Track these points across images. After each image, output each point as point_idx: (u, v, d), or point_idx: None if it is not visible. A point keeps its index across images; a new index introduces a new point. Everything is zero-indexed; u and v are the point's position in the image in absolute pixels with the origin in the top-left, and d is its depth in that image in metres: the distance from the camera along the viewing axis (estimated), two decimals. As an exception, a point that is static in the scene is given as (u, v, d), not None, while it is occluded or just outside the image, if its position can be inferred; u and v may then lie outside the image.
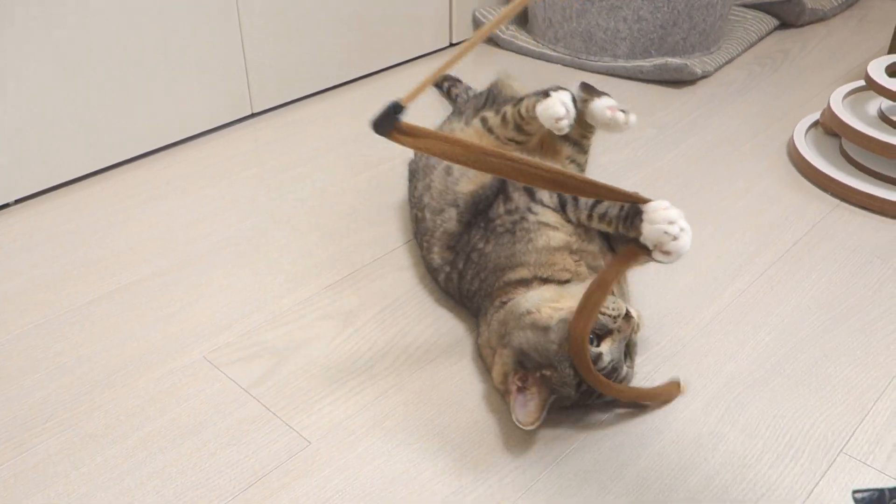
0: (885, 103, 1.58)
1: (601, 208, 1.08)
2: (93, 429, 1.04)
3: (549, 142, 1.29)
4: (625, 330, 1.01)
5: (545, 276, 1.09)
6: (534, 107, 1.18)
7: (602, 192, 0.94)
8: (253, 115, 1.84)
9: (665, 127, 1.80)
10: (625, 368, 1.03)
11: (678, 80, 1.99)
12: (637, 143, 1.73)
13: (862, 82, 1.67)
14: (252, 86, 1.80)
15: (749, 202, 1.52)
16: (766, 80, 2.03)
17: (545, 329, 0.99)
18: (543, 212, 1.13)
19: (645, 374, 1.13)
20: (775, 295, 1.28)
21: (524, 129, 1.23)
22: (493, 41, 2.26)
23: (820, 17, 2.40)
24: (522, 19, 2.31)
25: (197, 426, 1.05)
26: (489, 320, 1.10)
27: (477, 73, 2.11)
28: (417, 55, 2.16)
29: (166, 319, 1.24)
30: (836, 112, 1.58)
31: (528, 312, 1.03)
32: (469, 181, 1.23)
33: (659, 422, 1.05)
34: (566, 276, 1.09)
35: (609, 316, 1.00)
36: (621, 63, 2.04)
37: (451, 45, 2.24)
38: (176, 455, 1.00)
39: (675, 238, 0.92)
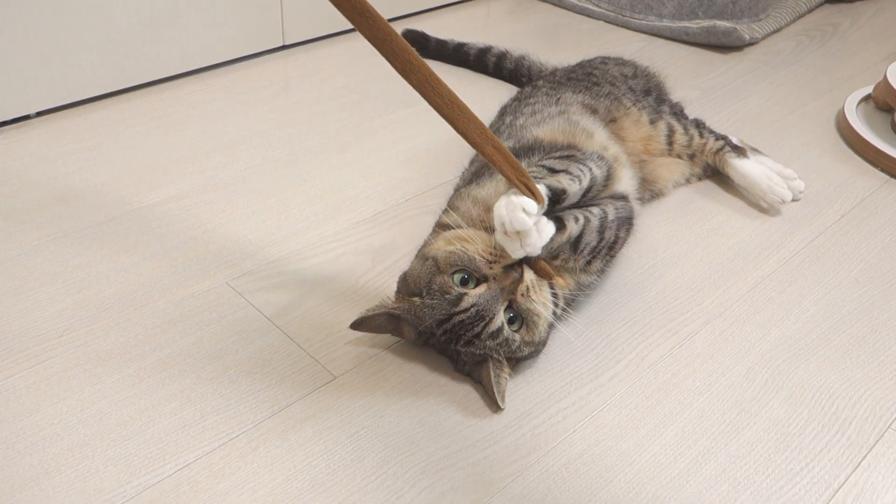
0: (945, 79, 1.52)
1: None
2: (110, 346, 1.00)
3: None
4: (502, 281, 0.92)
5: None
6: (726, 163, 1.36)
7: (498, 161, 0.90)
8: (284, 48, 1.78)
9: (709, 90, 1.74)
10: (506, 330, 0.93)
11: (724, 45, 1.92)
12: (681, 103, 1.67)
13: (920, 57, 1.60)
14: (286, 17, 1.73)
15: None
16: (814, 52, 1.96)
17: (425, 259, 0.97)
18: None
19: (686, 333, 1.08)
20: (822, 266, 1.23)
21: (694, 159, 1.38)
22: (533, -7, 2.19)
23: (871, -6, 2.32)
24: (566, -28, 2.23)
25: (219, 352, 1.00)
26: None
27: (515, 24, 2.05)
28: (453, 1, 2.09)
29: (189, 243, 1.19)
30: (894, 85, 1.52)
31: (425, 244, 1.01)
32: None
33: (699, 383, 1.01)
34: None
35: (485, 259, 0.93)
36: (667, 23, 1.96)
37: (491, -7, 2.17)
38: (196, 379, 0.96)
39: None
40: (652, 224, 1.30)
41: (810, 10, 2.19)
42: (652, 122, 1.34)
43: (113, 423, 0.90)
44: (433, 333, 0.94)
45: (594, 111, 1.29)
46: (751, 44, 1.95)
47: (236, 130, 1.48)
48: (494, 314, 0.92)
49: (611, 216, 1.05)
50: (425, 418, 0.93)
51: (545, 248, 0.94)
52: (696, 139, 1.37)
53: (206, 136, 1.46)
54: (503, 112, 1.37)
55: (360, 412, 0.93)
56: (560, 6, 2.12)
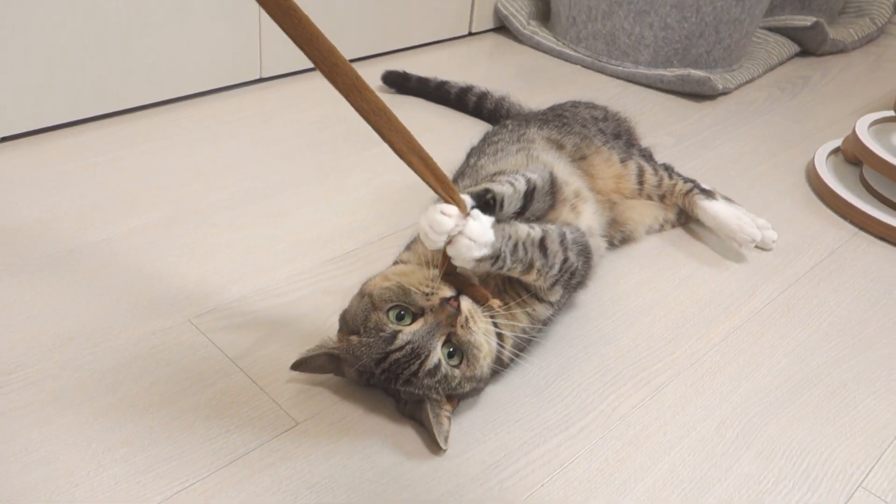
0: (913, 135, 1.54)
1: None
2: (62, 386, 0.96)
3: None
4: (438, 314, 0.90)
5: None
6: (696, 205, 1.36)
7: (424, 173, 0.86)
8: (261, 80, 1.76)
9: (683, 138, 1.75)
10: (444, 366, 0.90)
11: (697, 94, 1.94)
12: (653, 150, 1.67)
13: (888, 112, 1.63)
14: (264, 50, 1.72)
15: (767, 221, 1.47)
16: (785, 104, 1.99)
17: (362, 295, 0.95)
18: None
19: (658, 384, 1.06)
20: (792, 317, 1.23)
21: (665, 200, 1.38)
22: (512, 35, 2.20)
23: (840, 49, 2.36)
24: (545, 15, 2.25)
25: (177, 394, 0.96)
26: None
27: (494, 65, 2.06)
28: (434, 40, 2.09)
29: (151, 278, 1.15)
30: (862, 139, 1.53)
31: (367, 281, 0.98)
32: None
33: (671, 436, 0.99)
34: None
35: (420, 291, 0.91)
36: (642, 70, 1.98)
37: (470, 33, 2.18)
38: (151, 423, 0.92)
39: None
40: (624, 271, 1.29)
41: (782, 63, 2.23)
42: (622, 161, 1.34)
43: (60, 469, 0.85)
44: (372, 373, 0.91)
45: (560, 146, 1.29)
46: (724, 93, 1.97)
47: (207, 163, 1.45)
48: (430, 350, 0.89)
49: (568, 237, 1.03)
50: (390, 468, 0.90)
51: (507, 246, 0.91)
52: (666, 180, 1.37)
53: (175, 168, 1.43)
54: (470, 154, 1.35)
55: (321, 461, 0.90)
56: (539, 49, 2.13)
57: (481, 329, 0.92)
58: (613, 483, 0.92)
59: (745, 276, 1.31)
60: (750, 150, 1.73)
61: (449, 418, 0.93)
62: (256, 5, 1.64)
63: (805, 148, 1.75)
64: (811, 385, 1.10)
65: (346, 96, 0.82)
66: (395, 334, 0.89)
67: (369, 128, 0.83)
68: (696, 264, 1.33)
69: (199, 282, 1.15)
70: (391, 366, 0.89)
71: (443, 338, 0.90)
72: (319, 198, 1.39)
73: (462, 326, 0.90)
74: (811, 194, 1.58)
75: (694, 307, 1.22)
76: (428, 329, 0.89)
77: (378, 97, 0.82)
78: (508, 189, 0.99)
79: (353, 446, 0.92)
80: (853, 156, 1.63)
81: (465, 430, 0.96)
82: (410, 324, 0.90)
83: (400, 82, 1.77)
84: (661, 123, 1.80)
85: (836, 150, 1.70)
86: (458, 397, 0.95)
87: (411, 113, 1.50)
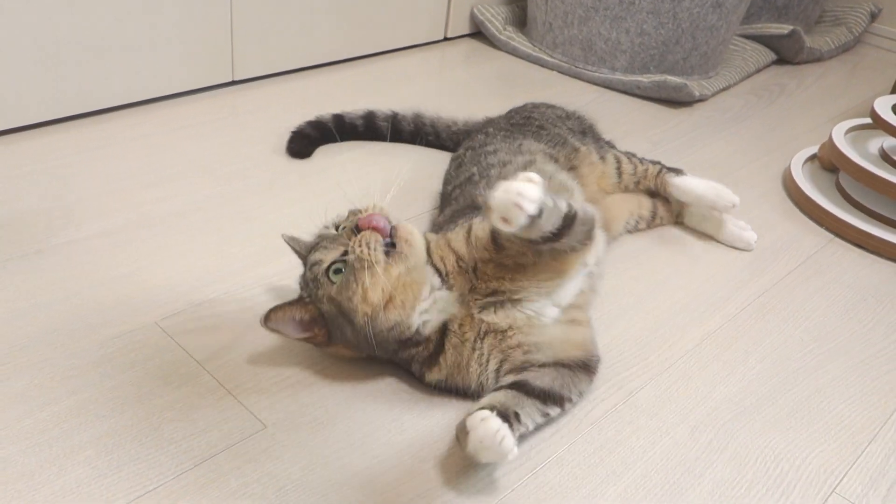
0: (887, 141, 1.54)
1: None
2: (23, 388, 0.93)
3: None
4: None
5: None
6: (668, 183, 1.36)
7: None
8: (233, 83, 1.74)
9: (659, 143, 1.75)
10: (320, 272, 0.95)
11: (674, 100, 1.95)
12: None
13: (864, 120, 1.63)
14: (236, 53, 1.70)
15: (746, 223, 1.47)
16: (762, 111, 1.99)
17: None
18: None
19: (631, 389, 1.06)
20: (767, 323, 1.22)
21: (639, 185, 1.38)
22: (488, 40, 2.20)
23: (817, 58, 2.38)
24: (521, 21, 2.25)
25: (142, 396, 0.94)
26: None
27: (469, 70, 2.05)
28: (409, 45, 2.08)
29: (118, 280, 1.13)
30: (839, 146, 1.54)
31: None
32: None
33: (643, 441, 0.98)
34: None
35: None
36: (619, 76, 1.98)
37: (446, 38, 2.17)
38: (115, 425, 0.90)
39: None
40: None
41: (758, 70, 2.24)
42: (601, 157, 1.35)
43: (18, 472, 0.83)
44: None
45: (556, 160, 1.28)
46: (700, 100, 1.98)
47: (178, 165, 1.43)
48: (328, 252, 0.95)
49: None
50: (359, 472, 0.89)
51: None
52: (639, 166, 1.39)
53: (145, 169, 1.40)
54: (460, 163, 1.33)
55: (290, 464, 0.88)
56: (515, 55, 2.13)
57: (378, 262, 0.91)
58: (585, 488, 0.91)
59: (720, 281, 1.31)
60: (726, 157, 1.73)
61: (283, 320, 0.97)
62: (229, 7, 1.63)
63: (781, 155, 1.75)
64: (785, 390, 1.09)
65: None
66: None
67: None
68: (671, 270, 1.32)
69: (166, 284, 1.13)
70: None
71: (341, 249, 0.94)
72: (291, 201, 1.37)
73: (356, 246, 0.91)
74: (787, 201, 1.59)
75: (669, 312, 1.22)
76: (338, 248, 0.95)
77: None
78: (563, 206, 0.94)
79: (322, 450, 0.91)
80: (829, 162, 1.63)
81: (435, 434, 0.95)
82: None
83: (308, 141, 1.53)
84: (637, 129, 1.80)
85: (812, 157, 1.70)
86: (323, 316, 0.96)
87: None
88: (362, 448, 0.92)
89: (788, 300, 1.28)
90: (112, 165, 1.40)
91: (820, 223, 1.51)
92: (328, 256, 0.95)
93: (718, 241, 1.40)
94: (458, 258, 0.99)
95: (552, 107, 1.50)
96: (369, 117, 1.55)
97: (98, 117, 1.55)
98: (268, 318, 0.96)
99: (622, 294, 1.24)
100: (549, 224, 0.88)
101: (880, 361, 1.17)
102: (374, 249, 0.91)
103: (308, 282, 0.97)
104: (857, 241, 1.45)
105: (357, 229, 0.94)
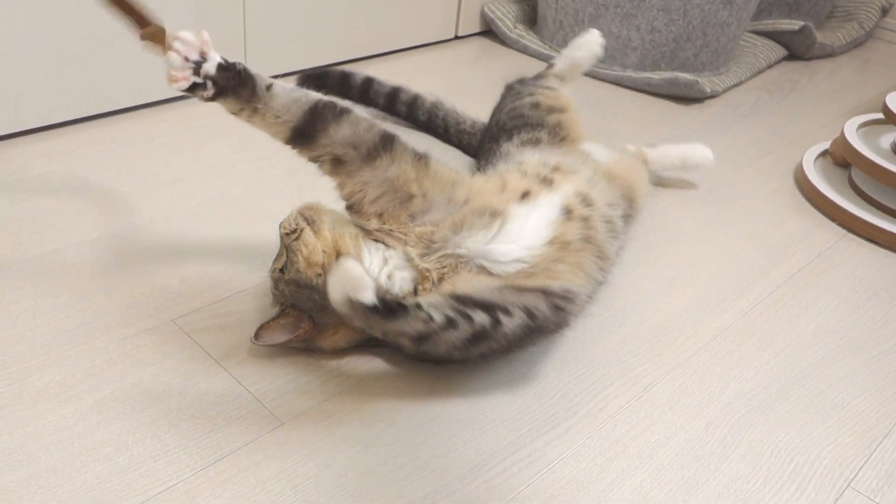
0: (900, 137, 1.54)
1: None
2: (44, 385, 0.95)
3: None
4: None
5: None
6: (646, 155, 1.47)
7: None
8: (246, 83, 1.75)
9: (670, 140, 1.74)
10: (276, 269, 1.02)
11: (685, 97, 1.95)
12: (642, 153, 1.67)
13: (876, 115, 1.63)
14: (249, 53, 1.71)
15: (754, 223, 1.47)
16: (773, 107, 1.99)
17: None
18: None
19: (646, 384, 1.06)
20: (780, 318, 1.23)
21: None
22: (498, 39, 2.20)
23: (828, 53, 2.38)
24: (531, 19, 2.25)
25: (160, 394, 0.95)
26: None
27: (480, 69, 2.05)
28: (419, 44, 2.09)
29: (134, 278, 1.14)
30: (850, 141, 1.54)
31: None
32: None
33: (658, 436, 0.98)
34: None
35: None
36: (630, 73, 1.98)
37: (456, 37, 2.18)
38: (134, 423, 0.91)
39: None
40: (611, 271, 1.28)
41: (770, 66, 2.24)
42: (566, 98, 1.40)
43: (42, 468, 0.84)
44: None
45: (538, 140, 1.28)
46: (711, 96, 1.98)
47: (192, 164, 1.44)
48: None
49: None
50: (374, 468, 0.89)
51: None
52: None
53: (161, 169, 1.42)
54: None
55: (306, 461, 0.89)
56: (525, 53, 2.13)
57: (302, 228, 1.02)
58: (601, 482, 0.91)
59: (733, 278, 1.31)
60: (738, 153, 1.73)
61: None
62: (242, 7, 1.64)
63: (793, 151, 1.75)
64: (799, 385, 1.09)
65: None
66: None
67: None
68: (682, 266, 1.33)
69: (182, 283, 1.14)
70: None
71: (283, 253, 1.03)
72: (304, 199, 1.38)
73: (281, 228, 1.04)
74: (799, 196, 1.59)
75: (680, 308, 1.22)
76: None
77: None
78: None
79: (338, 446, 0.91)
80: (842, 158, 1.63)
81: (450, 429, 0.95)
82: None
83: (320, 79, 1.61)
84: (648, 126, 1.80)
85: (824, 153, 1.70)
86: (300, 311, 1.01)
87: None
88: (377, 444, 0.92)
89: (802, 295, 1.28)
90: (129, 165, 1.42)
91: (832, 219, 1.51)
92: (278, 263, 1.02)
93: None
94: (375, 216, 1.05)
95: (498, 106, 1.46)
96: (392, 95, 1.61)
97: (115, 117, 1.56)
98: (258, 336, 1.00)
99: (634, 290, 1.25)
100: None
101: (894, 356, 1.17)
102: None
103: (273, 292, 1.04)
104: (870, 237, 1.45)
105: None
